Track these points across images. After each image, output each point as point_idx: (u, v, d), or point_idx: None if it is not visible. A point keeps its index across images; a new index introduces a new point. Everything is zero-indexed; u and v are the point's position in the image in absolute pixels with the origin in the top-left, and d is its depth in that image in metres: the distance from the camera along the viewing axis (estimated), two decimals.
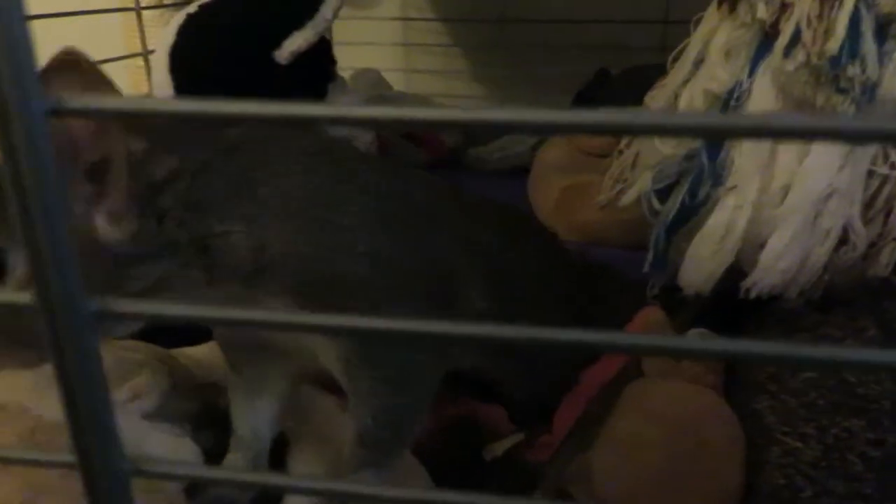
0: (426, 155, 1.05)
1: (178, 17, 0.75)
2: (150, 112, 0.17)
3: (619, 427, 0.56)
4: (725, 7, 0.53)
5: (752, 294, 0.54)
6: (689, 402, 0.59)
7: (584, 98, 1.12)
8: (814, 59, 0.45)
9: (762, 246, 0.53)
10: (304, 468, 0.47)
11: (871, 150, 0.51)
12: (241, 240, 0.39)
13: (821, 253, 0.52)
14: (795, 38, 0.47)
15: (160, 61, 0.73)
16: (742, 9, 0.52)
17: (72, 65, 0.33)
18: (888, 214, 0.52)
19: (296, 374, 0.50)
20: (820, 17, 0.45)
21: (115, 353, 0.48)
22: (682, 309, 0.67)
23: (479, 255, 0.51)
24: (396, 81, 1.22)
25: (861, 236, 0.51)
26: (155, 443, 0.43)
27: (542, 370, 0.59)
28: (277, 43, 0.72)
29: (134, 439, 0.43)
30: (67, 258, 0.17)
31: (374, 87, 1.13)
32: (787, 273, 0.52)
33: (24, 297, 0.18)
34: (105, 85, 0.34)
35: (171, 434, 0.44)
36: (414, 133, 1.03)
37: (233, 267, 0.39)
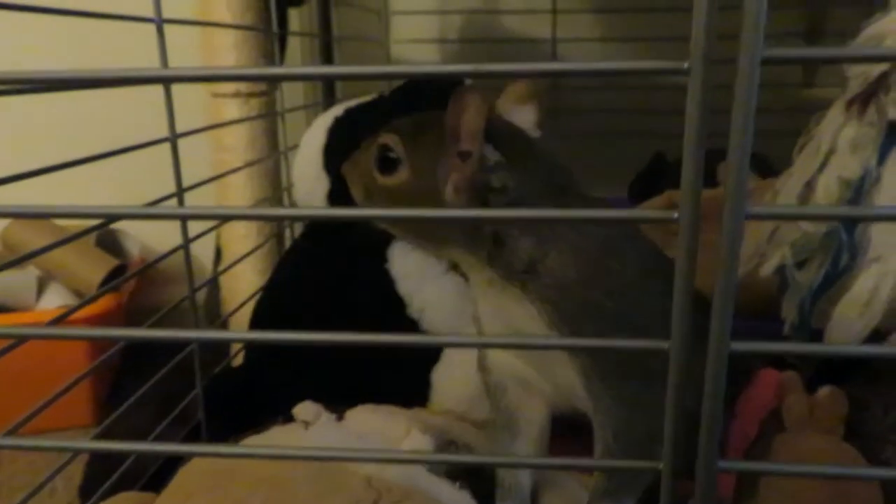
0: None
1: (325, 120, 0.82)
2: None
3: (781, 482, 0.62)
4: (855, 108, 0.63)
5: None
6: (839, 454, 0.65)
7: (643, 181, 1.20)
8: None
9: None
10: None
11: None
12: (528, 247, 0.48)
13: None
14: None
15: (311, 159, 0.80)
16: (871, 110, 0.62)
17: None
18: None
19: (547, 416, 0.55)
20: None
21: (380, 415, 0.52)
22: (799, 369, 0.74)
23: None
24: None
25: None
26: (447, 496, 0.47)
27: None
28: None
29: (427, 490, 0.47)
30: None
31: None
32: None
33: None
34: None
35: (454, 489, 0.48)
36: None
37: (511, 263, 0.48)
